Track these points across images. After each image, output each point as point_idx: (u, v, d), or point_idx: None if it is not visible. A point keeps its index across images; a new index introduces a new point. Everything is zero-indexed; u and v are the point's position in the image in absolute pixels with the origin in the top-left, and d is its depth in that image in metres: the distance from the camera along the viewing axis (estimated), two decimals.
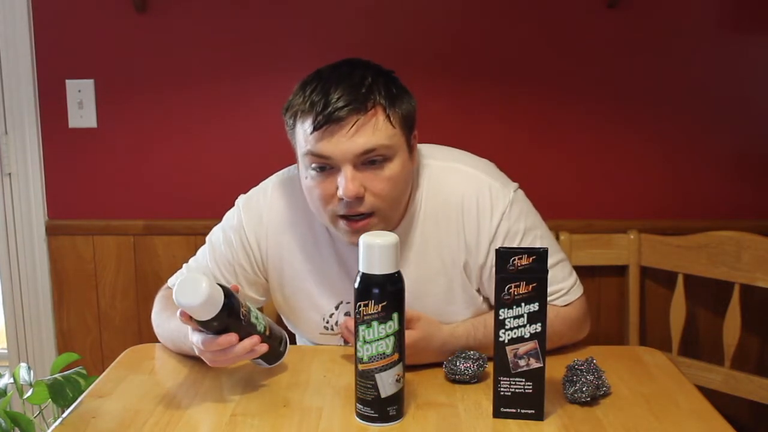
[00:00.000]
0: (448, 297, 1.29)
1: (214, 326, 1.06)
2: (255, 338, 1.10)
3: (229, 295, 1.07)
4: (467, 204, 1.26)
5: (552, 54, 1.86)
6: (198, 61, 1.88)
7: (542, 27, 1.85)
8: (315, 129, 1.13)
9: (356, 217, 1.18)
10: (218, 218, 1.38)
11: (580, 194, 1.92)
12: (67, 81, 1.90)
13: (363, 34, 1.87)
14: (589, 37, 1.86)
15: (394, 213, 1.22)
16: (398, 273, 1.02)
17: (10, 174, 1.94)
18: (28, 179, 1.94)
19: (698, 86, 1.88)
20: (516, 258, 1.02)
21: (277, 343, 1.18)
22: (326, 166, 1.16)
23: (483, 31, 1.86)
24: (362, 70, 1.18)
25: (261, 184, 1.38)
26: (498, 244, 1.24)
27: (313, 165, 1.17)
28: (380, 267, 1.00)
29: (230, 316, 1.06)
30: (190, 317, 1.07)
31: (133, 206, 1.95)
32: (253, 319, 1.11)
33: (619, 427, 1.04)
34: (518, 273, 1.02)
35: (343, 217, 1.19)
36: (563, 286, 1.29)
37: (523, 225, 1.26)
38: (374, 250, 1.00)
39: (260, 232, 1.32)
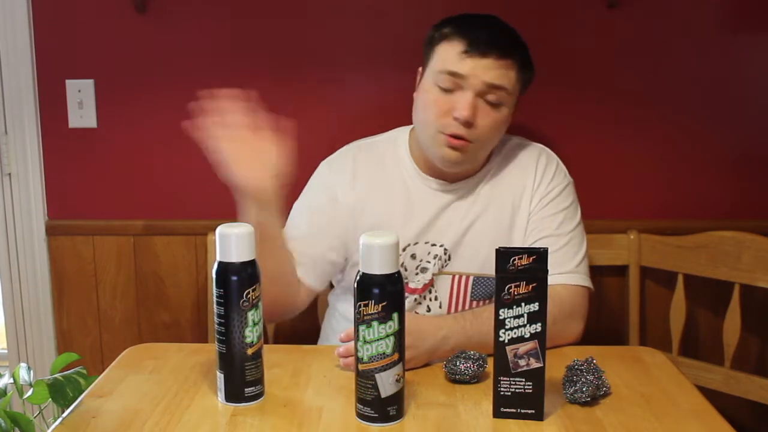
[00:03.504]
0: (508, 235, 1.45)
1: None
2: None
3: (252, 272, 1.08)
4: (540, 161, 1.49)
5: (551, 54, 1.86)
6: (198, 61, 1.88)
7: (541, 27, 1.85)
8: (465, 51, 1.33)
9: (457, 138, 1.35)
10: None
11: (581, 194, 1.90)
12: (67, 81, 1.90)
13: (363, 36, 1.87)
14: (589, 37, 1.86)
15: (482, 153, 1.43)
16: (398, 273, 1.02)
17: (10, 174, 1.94)
18: (28, 179, 1.94)
19: (698, 86, 1.87)
20: (516, 258, 1.02)
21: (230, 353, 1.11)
22: (453, 89, 1.35)
23: None
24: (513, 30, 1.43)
25: (341, 150, 1.53)
26: (547, 201, 1.45)
27: (443, 84, 1.35)
28: (380, 267, 1.00)
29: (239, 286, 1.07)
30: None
31: (133, 206, 1.95)
32: (249, 323, 1.09)
33: (619, 427, 1.04)
34: (518, 273, 1.02)
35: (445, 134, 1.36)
36: (565, 268, 1.40)
37: (570, 200, 1.48)
38: (374, 250, 1.00)
39: (347, 182, 1.46)
